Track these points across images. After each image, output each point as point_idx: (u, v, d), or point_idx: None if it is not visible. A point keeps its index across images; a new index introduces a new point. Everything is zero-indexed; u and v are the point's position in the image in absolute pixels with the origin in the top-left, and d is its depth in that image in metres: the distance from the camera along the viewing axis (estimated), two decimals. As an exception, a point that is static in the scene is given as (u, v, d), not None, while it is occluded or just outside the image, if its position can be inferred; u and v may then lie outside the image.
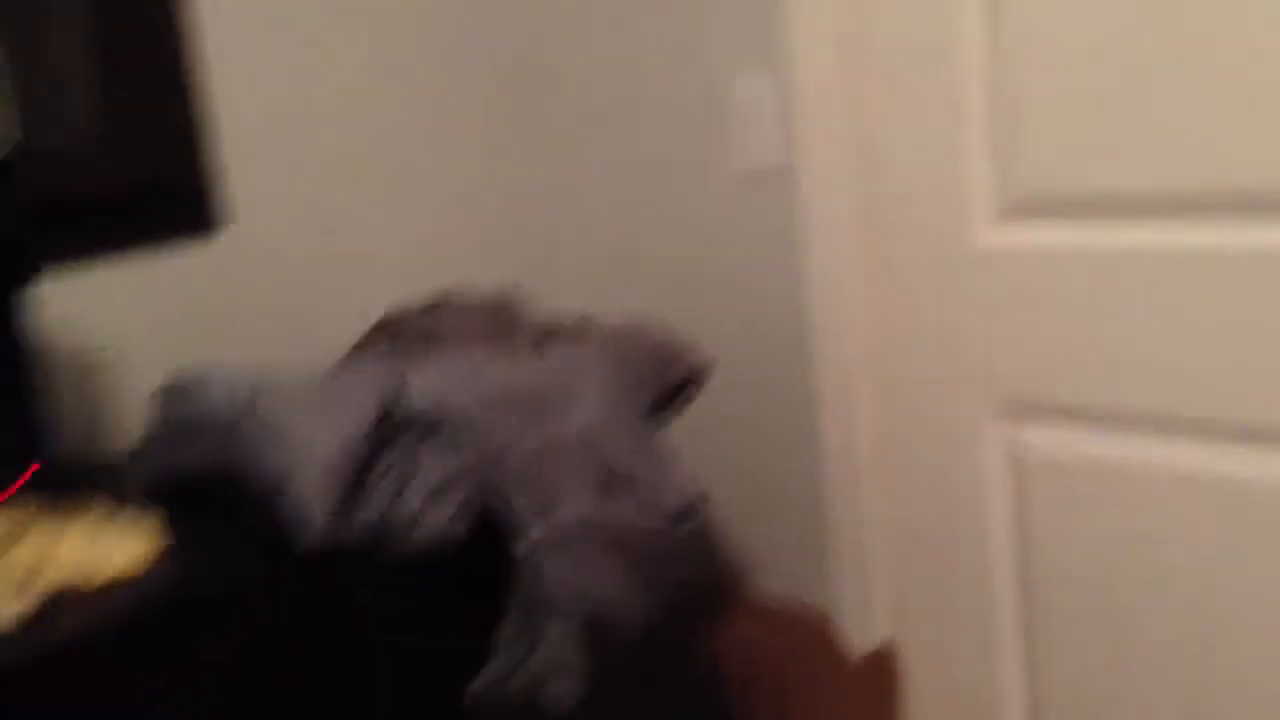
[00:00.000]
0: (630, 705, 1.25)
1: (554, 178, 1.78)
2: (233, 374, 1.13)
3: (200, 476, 1.11)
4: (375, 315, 1.36)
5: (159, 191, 1.37)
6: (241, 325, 1.46)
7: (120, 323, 1.36)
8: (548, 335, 1.30)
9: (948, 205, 1.40)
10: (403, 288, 1.57)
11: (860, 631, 1.57)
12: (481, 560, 1.14)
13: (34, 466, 1.14)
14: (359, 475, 1.06)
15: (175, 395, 1.15)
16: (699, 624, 1.29)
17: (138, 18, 1.33)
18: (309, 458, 1.04)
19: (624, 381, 1.22)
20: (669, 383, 1.25)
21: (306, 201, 1.52)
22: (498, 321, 1.32)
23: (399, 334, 1.29)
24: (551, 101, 1.75)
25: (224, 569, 1.01)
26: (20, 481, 1.12)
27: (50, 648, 0.89)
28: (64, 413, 1.30)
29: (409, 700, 1.15)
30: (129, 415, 1.35)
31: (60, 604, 0.94)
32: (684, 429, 1.71)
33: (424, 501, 1.05)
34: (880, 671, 1.55)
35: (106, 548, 0.99)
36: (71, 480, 1.16)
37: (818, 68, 1.45)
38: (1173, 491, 1.28)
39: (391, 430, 1.07)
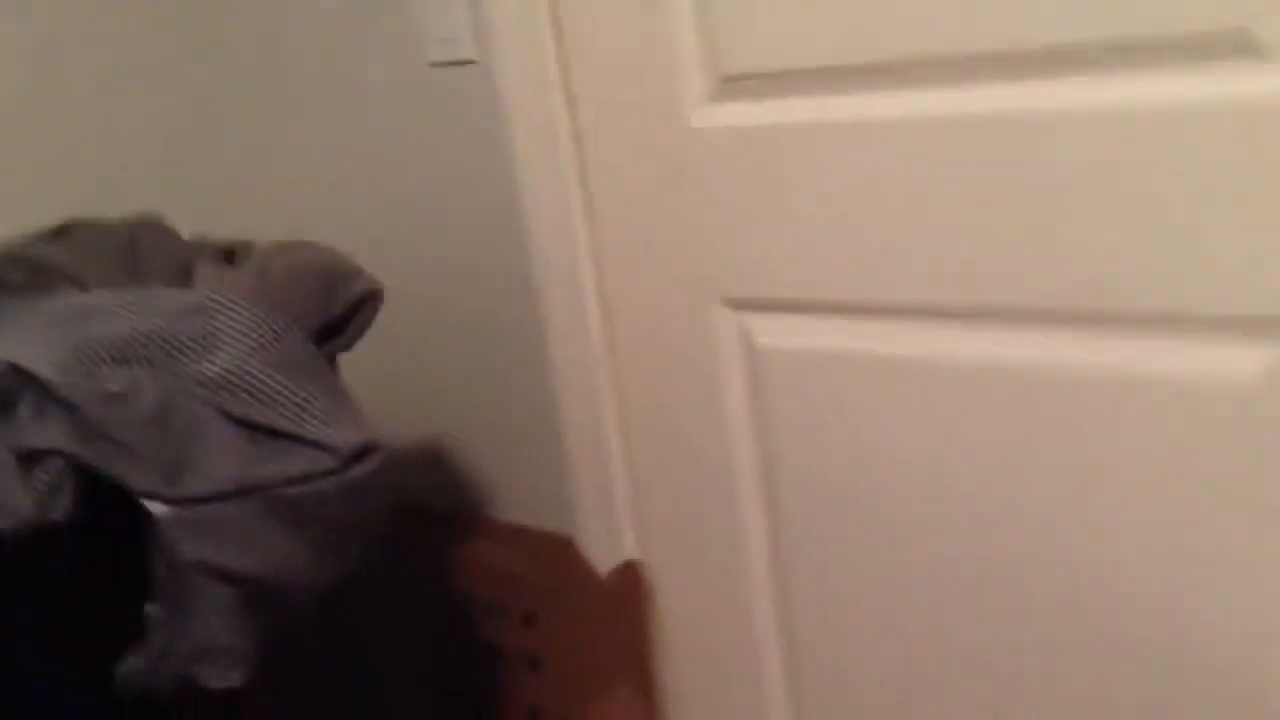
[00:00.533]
0: (319, 672, 1.11)
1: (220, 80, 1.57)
2: None
3: None
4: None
5: None
6: None
7: None
8: (194, 264, 1.12)
9: (657, 86, 1.25)
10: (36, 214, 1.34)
11: (605, 551, 1.46)
12: (121, 537, 0.98)
13: None
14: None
15: None
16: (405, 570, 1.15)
17: None
18: None
19: (278, 313, 1.05)
20: (335, 311, 1.09)
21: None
22: (135, 253, 1.13)
23: (5, 281, 1.09)
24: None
25: None
26: None
27: None
28: None
29: (42, 690, 0.99)
30: None
31: None
32: (403, 351, 1.56)
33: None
34: (627, 589, 1.44)
35: None
36: None
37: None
38: (906, 378, 1.19)
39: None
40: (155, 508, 0.95)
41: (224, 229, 1.23)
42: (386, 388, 1.63)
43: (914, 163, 1.12)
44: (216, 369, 0.99)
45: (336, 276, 1.08)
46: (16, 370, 0.90)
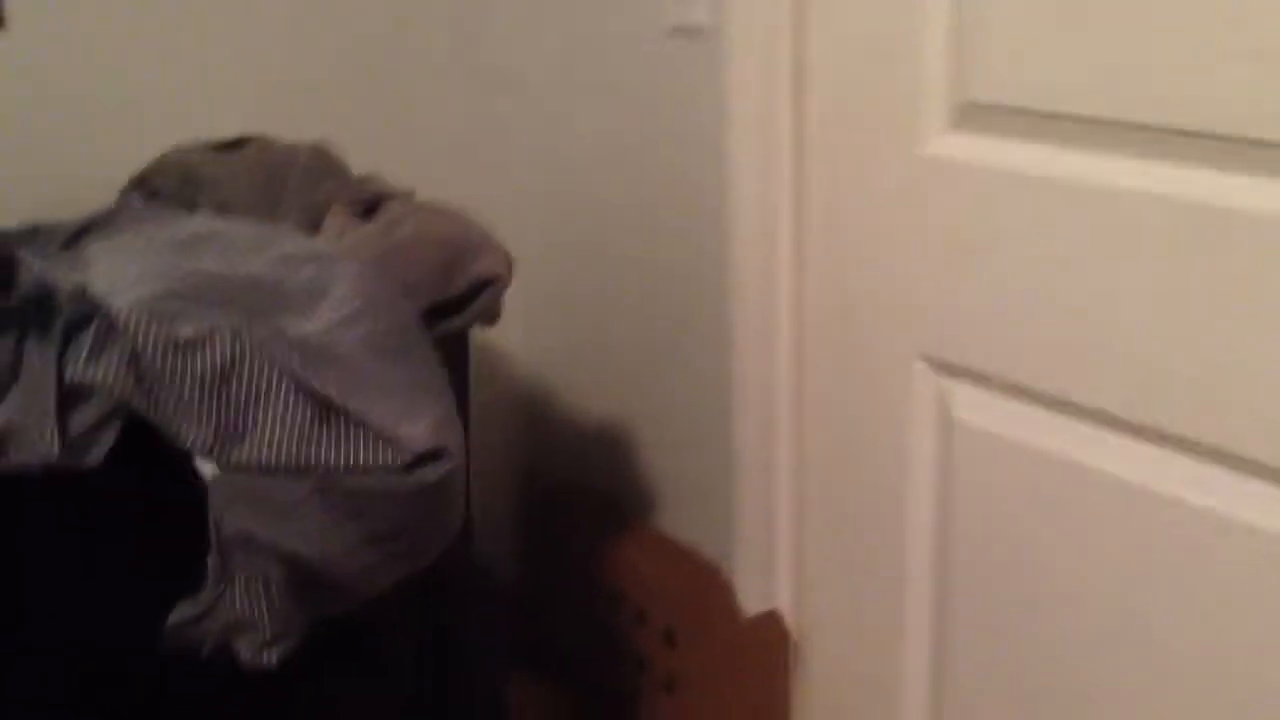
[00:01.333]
0: (360, 674, 1.04)
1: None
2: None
3: None
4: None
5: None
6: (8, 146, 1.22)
7: None
8: (329, 208, 1.04)
9: (894, 97, 1.06)
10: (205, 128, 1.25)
11: (756, 593, 1.31)
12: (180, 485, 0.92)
13: None
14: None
15: None
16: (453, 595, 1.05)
17: None
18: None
19: (390, 282, 0.95)
20: (453, 288, 0.98)
21: (92, 10, 1.23)
22: (285, 184, 1.06)
23: (158, 189, 1.05)
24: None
25: None
26: None
27: None
28: None
29: (78, 633, 0.96)
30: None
31: None
32: (589, 333, 1.45)
33: (25, 413, 0.82)
34: (772, 636, 1.29)
35: None
36: None
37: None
38: (1108, 497, 0.97)
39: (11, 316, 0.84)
40: (205, 467, 0.89)
41: (426, 186, 1.14)
42: (569, 363, 1.53)
43: (1161, 250, 0.89)
44: (310, 328, 0.91)
45: (464, 251, 0.97)
46: (87, 295, 0.85)
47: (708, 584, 1.36)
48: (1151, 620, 0.96)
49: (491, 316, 1.02)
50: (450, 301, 0.98)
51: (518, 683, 1.48)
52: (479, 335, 1.34)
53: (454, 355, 1.02)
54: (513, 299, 1.07)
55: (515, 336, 1.56)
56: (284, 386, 0.89)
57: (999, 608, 1.08)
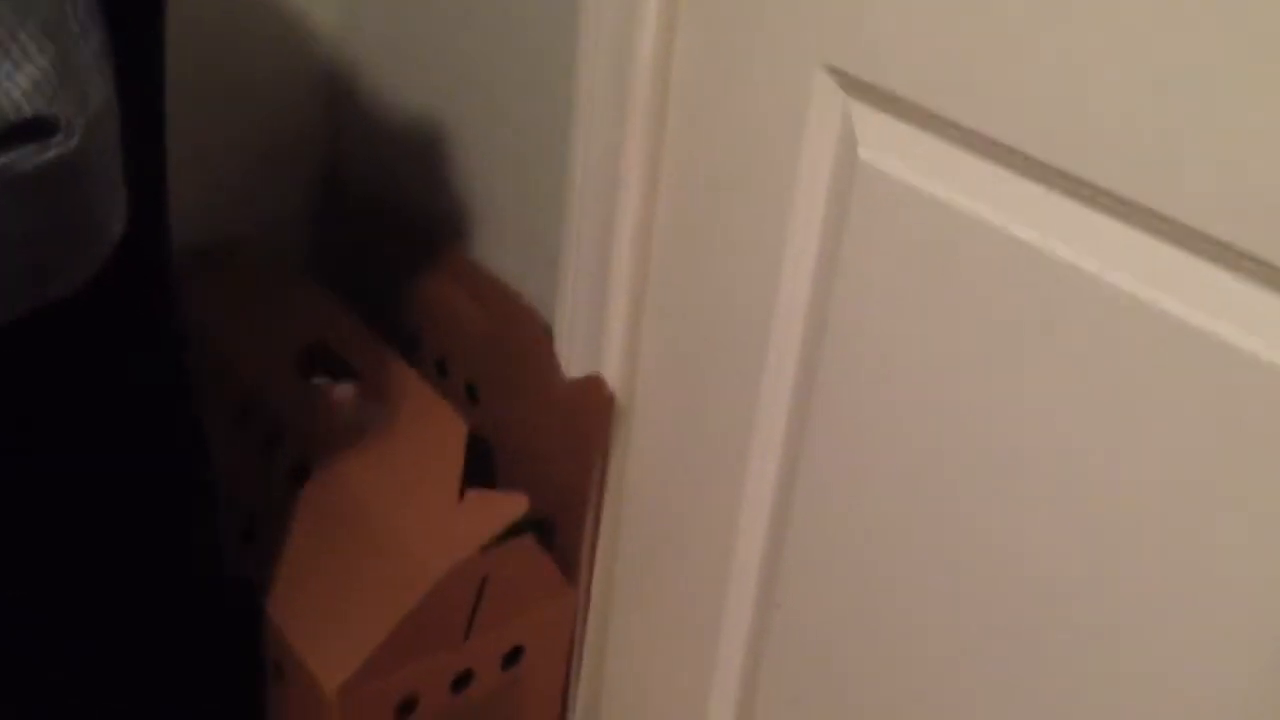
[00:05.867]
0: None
1: None
2: None
3: None
4: None
5: None
6: None
7: None
8: None
9: None
10: None
11: (580, 350, 1.09)
12: None
13: None
14: None
15: None
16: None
17: None
18: None
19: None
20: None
21: None
22: None
23: None
24: None
25: None
26: None
27: None
28: None
29: None
30: None
31: None
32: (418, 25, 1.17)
33: None
34: (591, 400, 1.08)
35: None
36: None
37: None
38: (1018, 261, 0.76)
39: None
40: None
41: None
42: (390, 50, 1.24)
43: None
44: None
45: None
46: None
47: (523, 337, 1.13)
48: (1040, 403, 0.76)
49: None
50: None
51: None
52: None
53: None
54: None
55: (330, 5, 1.28)
56: None
57: (867, 391, 0.88)
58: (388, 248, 1.26)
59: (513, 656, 1.11)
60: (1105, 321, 0.72)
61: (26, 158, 0.59)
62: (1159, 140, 0.67)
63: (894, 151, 0.81)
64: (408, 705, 1.04)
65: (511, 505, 1.04)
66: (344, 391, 1.13)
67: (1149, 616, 0.74)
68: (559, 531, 1.13)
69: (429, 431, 1.10)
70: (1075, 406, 0.75)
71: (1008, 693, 0.83)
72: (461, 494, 1.05)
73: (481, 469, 1.14)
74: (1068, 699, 0.80)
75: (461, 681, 1.08)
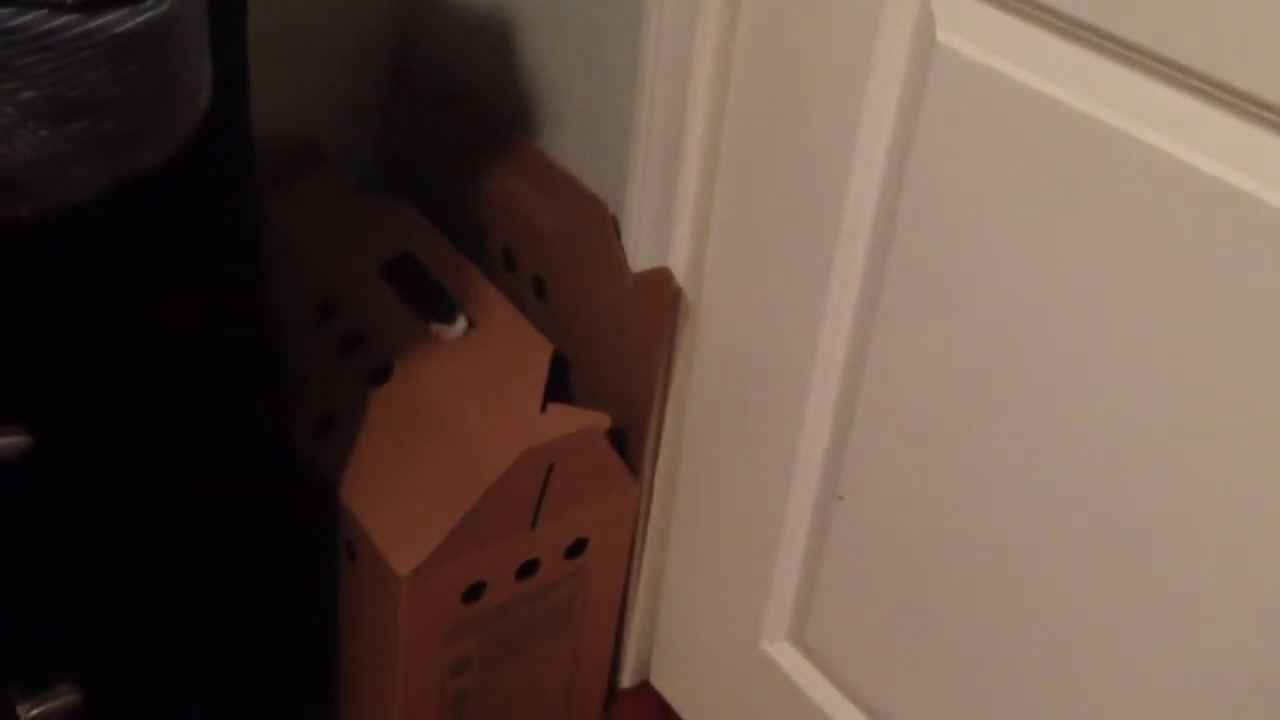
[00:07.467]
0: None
1: None
2: None
3: None
4: None
5: None
6: None
7: None
8: None
9: None
10: None
11: (647, 243, 1.09)
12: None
13: None
14: None
15: None
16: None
17: None
18: None
19: None
20: None
21: None
22: None
23: None
24: None
25: None
26: None
27: None
28: None
29: None
30: None
31: None
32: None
33: None
34: (659, 294, 1.08)
35: None
36: None
37: None
38: (1118, 157, 0.75)
39: None
40: None
41: None
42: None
43: None
44: None
45: None
46: None
47: (590, 229, 1.13)
48: (1117, 287, 0.76)
49: None
50: None
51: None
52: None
53: None
54: None
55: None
56: None
57: (937, 280, 0.88)
58: (456, 140, 1.26)
59: (577, 548, 1.12)
60: (1191, 207, 0.71)
61: (121, 20, 0.60)
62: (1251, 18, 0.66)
63: (972, 34, 0.80)
64: (475, 590, 1.06)
65: (594, 418, 1.05)
66: (456, 331, 1.13)
67: (1243, 504, 0.74)
68: (625, 426, 1.14)
69: (514, 346, 1.10)
70: (1156, 293, 0.74)
71: (1082, 583, 0.84)
72: (544, 408, 1.06)
73: (559, 384, 1.15)
74: (1141, 588, 0.80)
75: (527, 570, 1.09)
